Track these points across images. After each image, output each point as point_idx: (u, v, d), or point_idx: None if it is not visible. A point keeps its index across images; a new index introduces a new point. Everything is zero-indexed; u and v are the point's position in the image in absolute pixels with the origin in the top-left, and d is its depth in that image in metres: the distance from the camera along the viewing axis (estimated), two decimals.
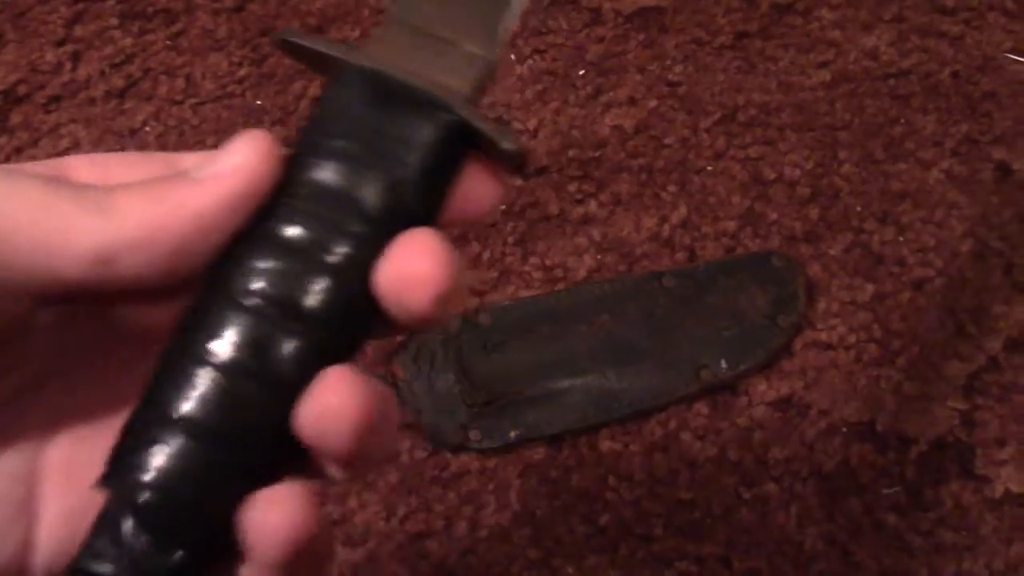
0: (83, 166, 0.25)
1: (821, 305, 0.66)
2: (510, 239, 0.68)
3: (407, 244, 0.24)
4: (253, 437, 0.24)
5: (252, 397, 0.24)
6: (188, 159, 0.26)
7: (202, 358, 0.24)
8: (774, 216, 0.69)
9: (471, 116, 0.25)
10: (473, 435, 0.60)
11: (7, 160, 0.71)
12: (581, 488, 0.60)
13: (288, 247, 0.24)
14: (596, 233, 0.68)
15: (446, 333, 0.63)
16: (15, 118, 0.73)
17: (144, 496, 0.23)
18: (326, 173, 0.25)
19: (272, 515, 0.23)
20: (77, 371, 0.26)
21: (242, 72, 0.75)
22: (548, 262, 0.67)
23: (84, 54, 0.76)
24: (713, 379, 0.62)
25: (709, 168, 0.71)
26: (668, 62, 0.76)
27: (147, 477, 0.23)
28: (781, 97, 0.75)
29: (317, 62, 0.27)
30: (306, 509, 0.23)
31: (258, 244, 0.24)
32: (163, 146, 0.72)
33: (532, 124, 0.73)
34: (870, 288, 0.67)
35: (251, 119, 0.73)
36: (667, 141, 0.72)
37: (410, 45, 0.27)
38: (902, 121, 0.73)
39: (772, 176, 0.71)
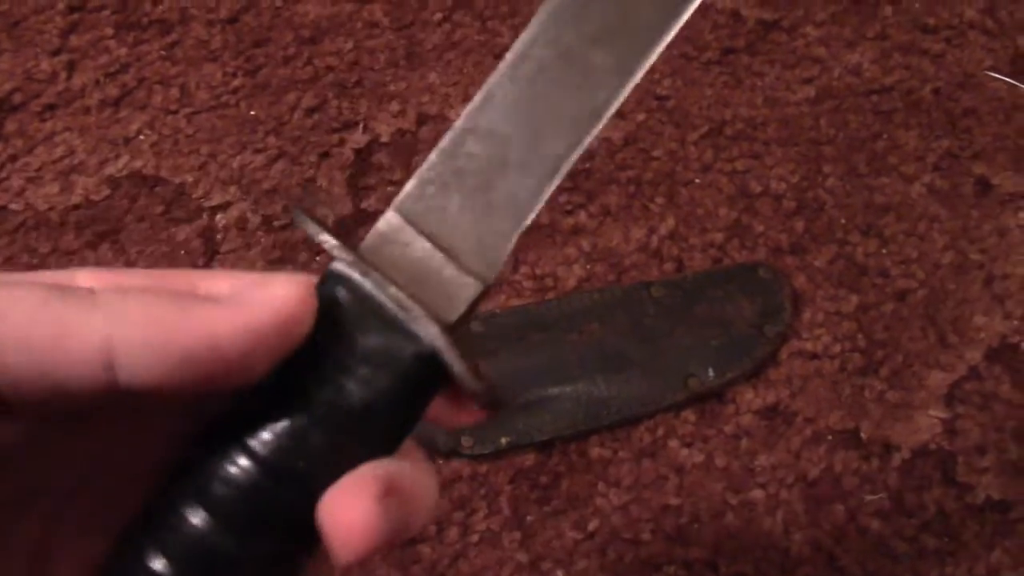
0: (90, 279, 0.24)
1: (806, 315, 0.67)
2: None
3: (347, 486, 0.23)
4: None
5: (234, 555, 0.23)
6: (209, 281, 0.25)
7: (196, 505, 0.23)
8: (760, 228, 0.71)
9: (446, 354, 0.24)
10: (465, 441, 0.61)
11: (2, 167, 0.71)
12: (571, 494, 0.61)
13: (246, 449, 0.23)
14: (586, 243, 0.69)
15: None
16: (10, 126, 0.73)
17: None
18: (303, 374, 0.24)
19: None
20: (77, 485, 0.25)
21: (236, 82, 0.75)
22: (538, 271, 0.68)
23: (79, 63, 0.76)
24: (701, 387, 0.63)
25: (697, 181, 0.73)
26: (656, 76, 0.77)
27: None
28: (767, 112, 0.76)
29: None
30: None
31: (222, 442, 0.24)
32: (157, 154, 0.72)
33: None
34: (854, 299, 0.68)
35: (245, 129, 0.74)
36: (655, 154, 0.74)
37: (408, 249, 0.26)
38: (885, 136, 0.75)
39: (758, 189, 0.72)
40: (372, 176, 0.72)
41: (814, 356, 0.66)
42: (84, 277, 0.24)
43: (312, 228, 0.25)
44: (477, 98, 0.26)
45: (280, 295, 0.22)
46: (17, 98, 0.74)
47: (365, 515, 0.22)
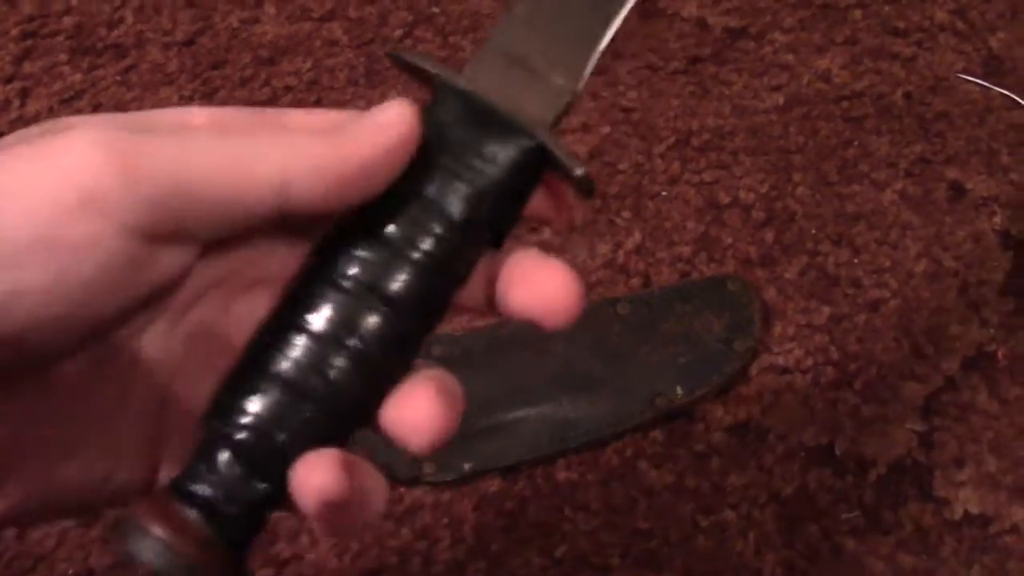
0: (204, 116, 0.28)
1: (777, 329, 0.66)
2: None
3: (533, 266, 0.28)
4: (335, 399, 0.27)
5: (338, 365, 0.27)
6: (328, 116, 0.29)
7: (300, 326, 0.27)
8: (729, 240, 0.69)
9: (551, 144, 0.28)
10: (427, 468, 0.60)
11: None
12: (537, 520, 0.60)
13: (381, 240, 0.28)
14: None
15: None
16: None
17: (240, 435, 0.27)
18: (418, 180, 0.28)
19: (311, 477, 0.26)
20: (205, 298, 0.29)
21: (193, 105, 0.74)
22: None
23: (33, 90, 0.75)
24: (669, 405, 0.62)
25: (664, 193, 0.71)
26: (621, 88, 0.76)
27: (244, 420, 0.27)
28: (735, 121, 0.75)
29: (422, 78, 0.30)
30: (339, 476, 0.26)
31: (356, 235, 0.28)
32: None
33: None
34: (826, 311, 0.66)
35: None
36: (621, 167, 0.72)
37: (504, 71, 0.30)
38: (855, 143, 0.74)
39: (727, 200, 0.71)
40: None
41: (785, 371, 0.64)
42: (199, 114, 0.28)
43: (418, 59, 0.30)
44: None
45: (402, 112, 0.27)
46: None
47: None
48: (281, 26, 0.78)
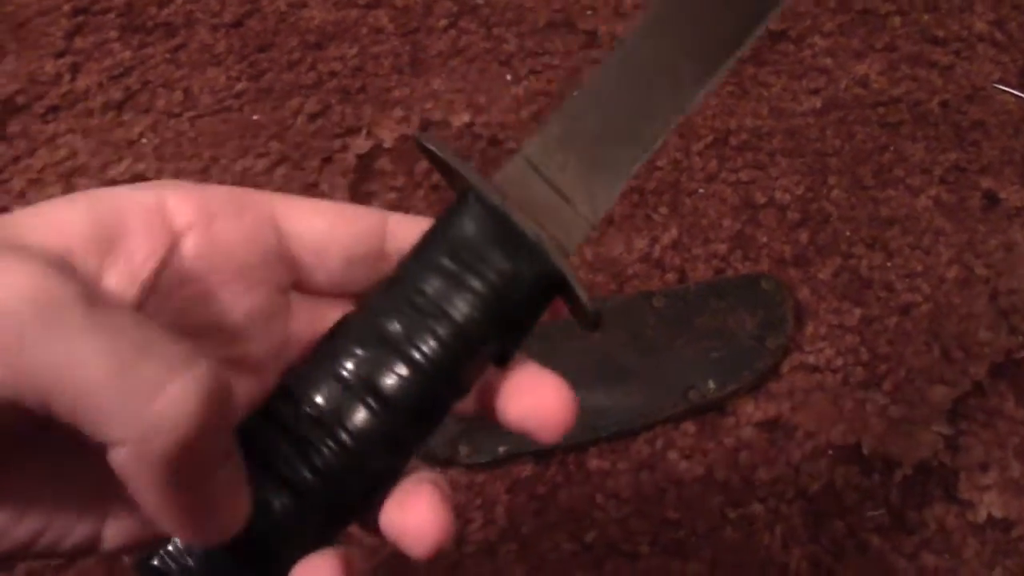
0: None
1: (809, 328, 0.67)
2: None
3: (530, 379, 0.29)
4: (326, 495, 0.27)
5: (328, 459, 0.27)
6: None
7: (291, 415, 0.27)
8: (764, 239, 0.70)
9: (571, 277, 0.28)
10: (462, 450, 0.61)
11: (4, 168, 0.71)
12: (568, 505, 0.61)
13: (382, 336, 0.28)
14: (588, 253, 0.69)
15: None
16: (13, 127, 0.73)
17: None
18: (429, 281, 0.28)
19: None
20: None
21: (240, 86, 0.75)
22: None
23: (83, 66, 0.76)
24: (701, 399, 0.63)
25: (701, 191, 0.72)
26: None
27: None
28: (773, 122, 0.76)
29: (447, 171, 0.30)
30: None
31: (360, 327, 0.28)
32: (160, 158, 0.72)
33: None
34: (858, 312, 0.67)
35: (247, 133, 0.73)
36: (660, 163, 0.73)
37: (532, 188, 0.30)
38: (891, 148, 0.74)
39: (763, 200, 0.72)
40: (374, 182, 0.71)
41: (816, 369, 0.65)
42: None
43: (450, 156, 0.29)
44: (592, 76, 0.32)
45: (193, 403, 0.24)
46: (21, 99, 0.74)
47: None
48: (328, 12, 0.79)
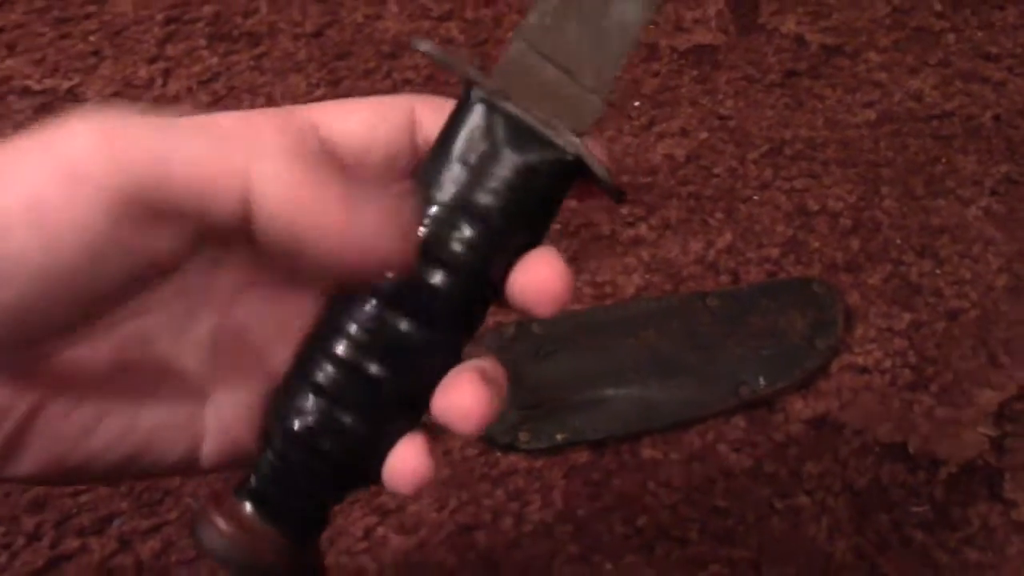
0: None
1: (859, 331, 0.69)
2: (564, 256, 0.72)
3: (537, 259, 0.29)
4: (383, 399, 0.29)
5: (378, 373, 0.29)
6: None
7: (339, 333, 0.29)
8: (816, 245, 0.73)
9: (586, 157, 0.29)
10: (522, 436, 0.64)
11: None
12: (622, 491, 0.64)
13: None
14: (645, 254, 0.72)
15: (501, 340, 0.67)
16: None
17: (301, 433, 0.29)
18: (449, 186, 0.28)
19: (406, 462, 0.30)
20: (238, 294, 0.30)
21: (319, 92, 0.80)
22: (599, 279, 0.71)
23: (174, 71, 0.82)
24: (751, 395, 0.66)
25: (755, 197, 0.75)
26: (720, 97, 0.80)
27: (302, 421, 0.29)
28: (827, 133, 0.78)
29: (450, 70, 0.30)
30: (429, 460, 0.30)
31: None
32: None
33: None
34: (907, 317, 0.70)
35: None
36: (716, 171, 0.76)
37: (536, 71, 0.29)
38: (943, 160, 0.77)
39: (816, 207, 0.74)
40: None
41: (864, 370, 0.68)
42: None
43: (450, 58, 0.29)
44: None
45: (393, 229, 0.27)
46: (117, 102, 0.80)
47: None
48: (402, 23, 0.84)
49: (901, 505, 0.63)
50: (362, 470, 0.30)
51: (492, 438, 0.64)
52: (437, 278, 0.28)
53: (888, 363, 0.68)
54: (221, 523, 0.29)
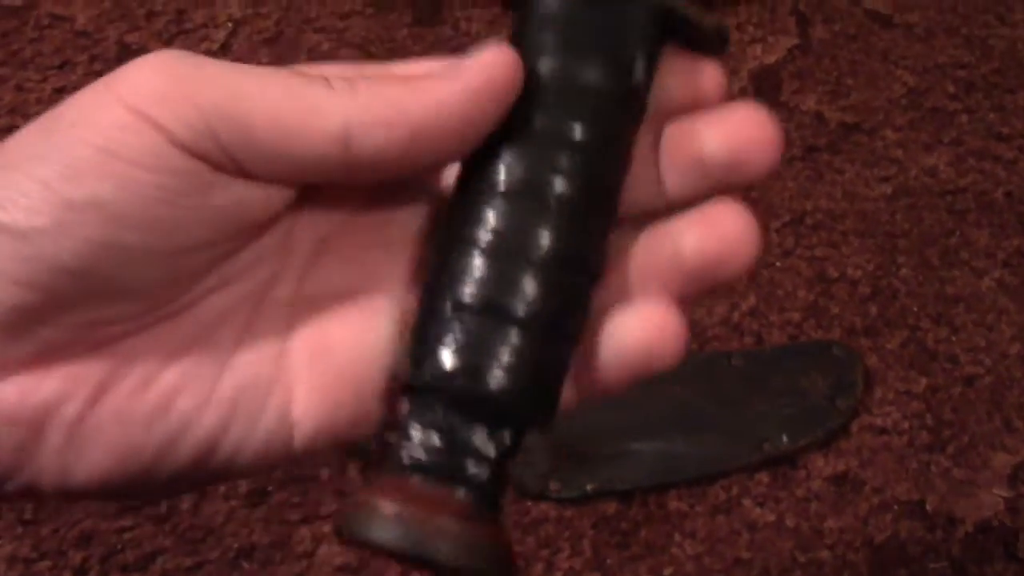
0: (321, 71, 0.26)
1: (877, 393, 0.72)
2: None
3: (742, 113, 0.27)
4: (539, 324, 0.25)
5: (526, 282, 0.25)
6: (415, 67, 0.28)
7: (474, 246, 0.25)
8: (836, 310, 0.76)
9: (676, 5, 0.26)
10: (553, 485, 0.66)
11: None
12: (648, 541, 0.66)
13: (536, 135, 0.25)
14: None
15: None
16: None
17: (459, 383, 0.25)
18: (548, 65, 0.26)
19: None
20: (317, 256, 0.28)
21: None
22: None
23: None
24: (774, 451, 0.68)
25: (778, 264, 0.78)
26: None
27: (456, 363, 0.25)
28: (846, 205, 0.82)
29: None
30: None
31: (509, 136, 0.25)
32: None
33: None
34: (924, 381, 0.72)
35: None
36: None
37: None
38: (957, 233, 0.80)
39: (835, 275, 0.78)
40: None
41: (883, 431, 0.70)
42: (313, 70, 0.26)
43: None
44: None
45: (490, 60, 0.25)
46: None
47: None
48: None
49: (919, 561, 0.65)
50: (536, 396, 0.26)
51: (523, 487, 0.67)
52: (568, 159, 0.25)
53: (906, 424, 0.70)
54: (393, 508, 0.23)
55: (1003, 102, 0.88)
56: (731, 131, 0.27)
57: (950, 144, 0.86)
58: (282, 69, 0.25)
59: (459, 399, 0.25)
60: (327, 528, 0.65)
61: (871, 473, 0.68)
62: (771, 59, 0.90)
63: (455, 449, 0.25)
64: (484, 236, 0.25)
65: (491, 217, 0.25)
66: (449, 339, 0.25)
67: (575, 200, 0.25)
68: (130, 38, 0.89)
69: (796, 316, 0.75)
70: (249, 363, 0.26)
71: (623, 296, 0.27)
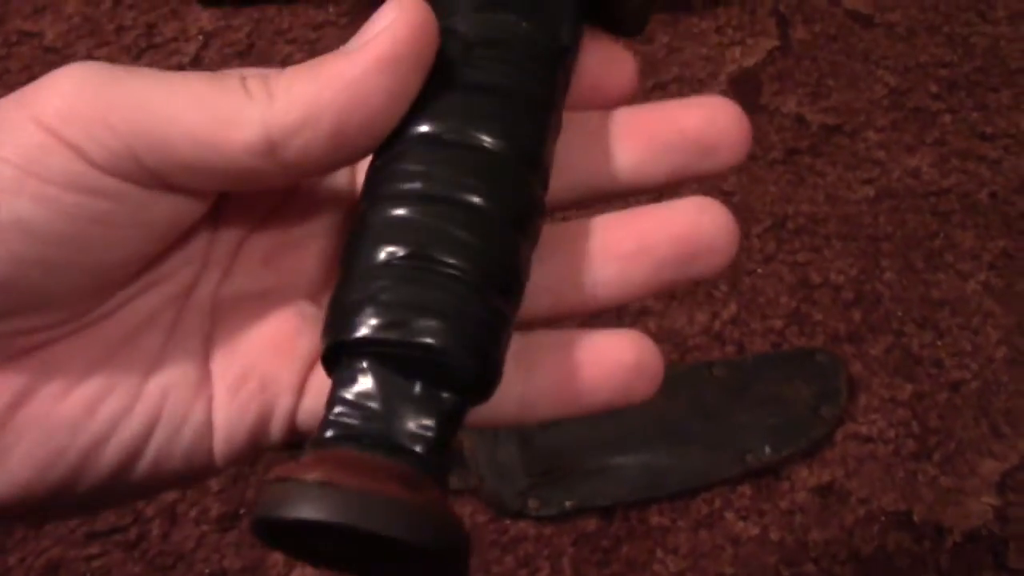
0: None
1: (862, 400, 0.70)
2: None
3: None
4: (464, 265, 0.23)
5: (461, 225, 0.24)
6: None
7: (400, 198, 0.24)
8: (819, 317, 0.74)
9: None
10: (531, 503, 0.65)
11: None
12: (630, 558, 0.64)
13: (461, 89, 0.24)
14: (652, 324, 0.74)
15: None
16: None
17: (381, 336, 0.22)
18: (469, 18, 0.25)
19: None
20: (240, 252, 0.28)
21: None
22: None
23: None
24: (757, 463, 0.67)
25: (759, 271, 0.77)
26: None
27: (383, 318, 0.23)
28: (828, 209, 0.80)
29: None
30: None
31: (436, 91, 0.24)
32: None
33: None
34: (909, 387, 0.71)
35: None
36: None
37: None
38: (942, 235, 0.79)
39: (818, 280, 0.76)
40: None
41: (869, 439, 0.69)
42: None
43: None
44: None
45: (393, 20, 0.23)
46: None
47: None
48: None
49: (907, 573, 0.64)
50: (474, 349, 0.23)
51: (501, 505, 0.65)
52: (501, 108, 0.24)
53: (892, 433, 0.69)
54: (317, 476, 0.20)
55: (986, 101, 0.86)
56: (700, 115, 0.27)
57: (933, 144, 0.84)
58: (201, 76, 0.24)
59: (389, 356, 0.23)
60: None
61: (856, 483, 0.67)
62: (750, 62, 0.88)
63: (389, 414, 0.22)
64: (406, 188, 0.24)
65: (413, 169, 0.24)
66: (374, 294, 0.23)
67: (503, 151, 0.24)
68: (99, 53, 0.88)
69: (778, 323, 0.74)
70: (175, 365, 0.26)
71: (584, 277, 0.27)
